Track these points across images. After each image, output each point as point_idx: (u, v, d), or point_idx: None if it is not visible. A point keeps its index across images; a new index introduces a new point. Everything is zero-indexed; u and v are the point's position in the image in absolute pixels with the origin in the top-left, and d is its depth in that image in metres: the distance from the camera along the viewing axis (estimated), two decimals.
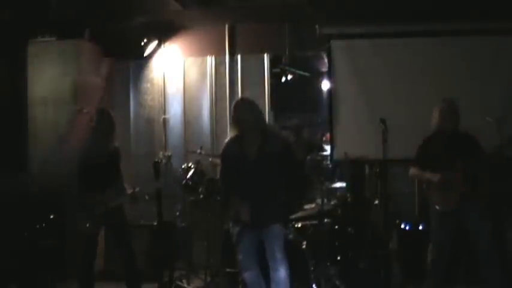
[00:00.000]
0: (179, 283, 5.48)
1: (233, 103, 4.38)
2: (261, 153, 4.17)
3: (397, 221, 5.66)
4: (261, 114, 4.33)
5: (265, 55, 6.55)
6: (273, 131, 4.30)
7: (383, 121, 4.73)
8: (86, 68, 6.35)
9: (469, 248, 4.67)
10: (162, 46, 6.71)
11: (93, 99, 1.67)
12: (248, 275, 4.21)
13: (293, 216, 5.16)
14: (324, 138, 6.53)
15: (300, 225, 5.17)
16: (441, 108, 4.62)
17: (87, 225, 4.53)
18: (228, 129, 4.48)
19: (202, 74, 6.70)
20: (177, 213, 5.90)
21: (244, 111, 4.22)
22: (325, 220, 5.24)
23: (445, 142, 4.58)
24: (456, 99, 4.69)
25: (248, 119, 4.18)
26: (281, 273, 4.14)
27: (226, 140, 4.41)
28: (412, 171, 4.77)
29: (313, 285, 4.84)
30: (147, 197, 5.05)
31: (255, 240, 4.20)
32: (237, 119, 4.23)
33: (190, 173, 5.61)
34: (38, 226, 5.51)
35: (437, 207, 4.59)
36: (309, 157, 5.66)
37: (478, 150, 4.56)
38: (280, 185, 4.25)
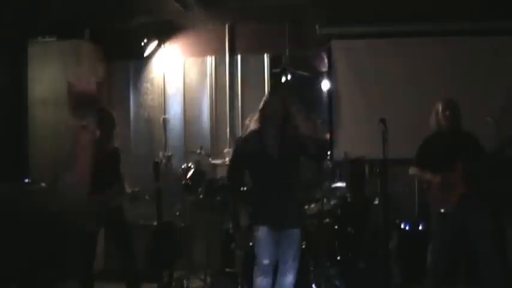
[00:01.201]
0: (181, 281, 5.48)
1: (267, 95, 4.21)
2: (284, 151, 4.05)
3: (397, 221, 5.66)
4: (289, 110, 4.15)
5: (265, 55, 6.55)
6: (296, 127, 4.18)
7: (383, 121, 4.73)
8: (86, 68, 6.36)
9: (469, 248, 4.67)
10: (162, 46, 6.71)
11: (89, 107, 1.66)
12: (265, 282, 4.09)
13: None
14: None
15: None
16: (441, 107, 4.61)
17: (87, 225, 4.53)
18: (251, 123, 4.27)
19: (202, 74, 6.70)
20: (177, 213, 5.89)
21: (279, 105, 4.07)
22: (325, 220, 5.25)
23: (446, 142, 4.57)
24: (456, 99, 4.68)
25: (277, 114, 4.04)
26: (288, 279, 4.08)
27: (246, 134, 4.24)
28: (413, 171, 4.76)
29: (313, 285, 4.84)
30: (147, 197, 5.04)
31: (275, 244, 4.10)
32: (269, 112, 4.06)
33: (190, 173, 5.61)
34: (37, 226, 5.50)
35: (437, 207, 4.59)
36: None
37: (478, 150, 4.55)
38: (300, 187, 4.19)
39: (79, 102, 1.66)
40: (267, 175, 4.08)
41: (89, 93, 1.70)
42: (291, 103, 4.19)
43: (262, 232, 4.08)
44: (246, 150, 4.18)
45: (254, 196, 4.24)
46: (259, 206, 4.15)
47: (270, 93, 4.26)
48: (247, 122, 4.32)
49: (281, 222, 4.06)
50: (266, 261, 4.07)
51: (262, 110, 4.12)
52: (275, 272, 4.15)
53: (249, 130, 4.24)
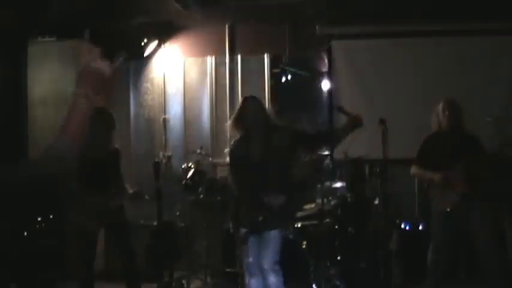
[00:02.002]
0: (181, 281, 5.48)
1: (241, 101, 4.23)
2: (267, 154, 4.06)
3: (397, 221, 5.66)
4: (267, 112, 4.23)
5: (265, 55, 6.55)
6: (277, 126, 4.21)
7: (383, 121, 4.72)
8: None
9: (469, 248, 4.67)
10: (162, 46, 6.71)
11: (99, 87, 1.67)
12: (254, 282, 4.12)
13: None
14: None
15: (300, 225, 5.17)
16: (442, 107, 4.61)
17: (87, 225, 4.53)
18: (229, 129, 4.34)
19: (203, 74, 6.70)
20: (177, 213, 5.89)
21: (255, 109, 4.12)
22: (325, 220, 5.25)
23: (446, 142, 4.57)
24: (456, 99, 4.68)
25: (258, 118, 4.09)
26: (269, 281, 4.07)
27: (233, 142, 4.29)
28: (414, 170, 4.76)
29: (313, 285, 4.84)
30: (147, 197, 5.05)
31: (258, 244, 4.12)
32: (247, 117, 4.10)
33: (190, 173, 5.61)
34: (37, 226, 5.51)
35: (437, 207, 4.59)
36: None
37: (479, 150, 4.55)
38: (286, 185, 4.20)
39: (90, 81, 1.67)
40: (247, 179, 4.11)
41: (103, 74, 1.72)
42: (265, 105, 4.23)
43: (246, 233, 4.16)
44: (234, 159, 4.24)
45: (237, 199, 4.31)
46: (241, 208, 4.21)
47: (246, 98, 4.27)
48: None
49: (258, 226, 4.08)
50: (250, 260, 4.13)
51: (238, 117, 4.15)
52: None
53: (233, 140, 4.31)
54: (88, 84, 1.86)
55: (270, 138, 4.09)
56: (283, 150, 4.09)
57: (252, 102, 4.19)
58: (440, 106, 4.64)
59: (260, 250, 4.11)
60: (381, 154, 4.62)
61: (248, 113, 4.12)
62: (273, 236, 4.09)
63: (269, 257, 4.07)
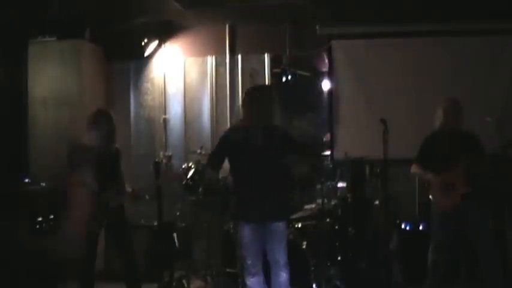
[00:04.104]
0: (182, 281, 5.48)
1: (250, 91, 4.15)
2: (268, 147, 4.02)
3: (398, 221, 5.66)
4: (275, 107, 4.15)
5: (266, 55, 6.55)
6: (277, 125, 4.20)
7: (383, 121, 4.73)
8: (86, 69, 6.36)
9: (469, 248, 4.67)
10: (163, 46, 6.71)
11: (87, 160, 1.69)
12: (254, 281, 4.10)
13: (293, 216, 5.17)
14: (324, 138, 6.53)
15: (300, 225, 5.17)
16: (447, 107, 4.61)
17: (88, 225, 4.52)
18: (239, 114, 4.24)
19: (203, 74, 6.70)
20: (177, 213, 5.89)
21: (264, 103, 4.05)
22: (326, 220, 5.25)
23: (447, 141, 4.57)
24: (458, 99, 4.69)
25: (266, 112, 4.03)
26: (282, 278, 4.07)
27: (230, 128, 4.24)
28: (413, 169, 4.76)
29: (313, 285, 4.84)
30: (147, 197, 5.04)
31: (261, 242, 4.08)
32: (254, 110, 4.04)
33: (190, 173, 5.61)
34: (38, 226, 5.50)
35: (438, 207, 4.59)
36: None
37: (479, 150, 4.55)
38: (285, 181, 4.17)
39: (77, 156, 1.67)
40: (249, 168, 4.03)
41: (88, 146, 1.72)
42: (275, 101, 4.18)
43: (245, 231, 4.06)
44: (231, 140, 4.12)
45: (235, 193, 4.20)
46: (241, 202, 4.12)
47: (257, 89, 4.23)
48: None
49: (263, 216, 4.01)
50: (249, 262, 4.07)
51: (249, 105, 4.09)
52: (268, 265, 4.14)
53: (237, 121, 4.23)
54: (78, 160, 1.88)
55: (272, 134, 4.06)
56: (282, 148, 4.09)
57: (264, 96, 4.13)
58: (442, 106, 4.64)
59: (270, 245, 4.05)
60: (381, 154, 4.63)
61: (257, 107, 4.05)
62: (281, 228, 4.04)
63: (282, 251, 4.05)
